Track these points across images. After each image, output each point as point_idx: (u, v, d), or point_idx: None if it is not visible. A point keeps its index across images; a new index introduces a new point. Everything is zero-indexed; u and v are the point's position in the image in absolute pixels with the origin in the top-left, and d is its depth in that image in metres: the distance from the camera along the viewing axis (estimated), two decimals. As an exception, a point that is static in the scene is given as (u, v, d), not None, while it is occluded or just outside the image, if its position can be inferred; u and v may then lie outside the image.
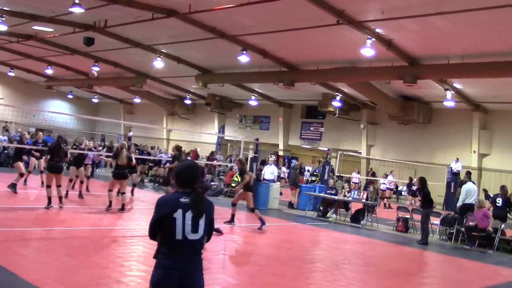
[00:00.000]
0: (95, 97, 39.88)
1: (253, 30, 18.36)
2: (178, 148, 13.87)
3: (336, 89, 25.78)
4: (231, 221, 12.74)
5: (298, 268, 8.93)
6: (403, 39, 17.39)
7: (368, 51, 17.10)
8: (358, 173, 26.24)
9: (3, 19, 18.85)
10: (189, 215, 3.65)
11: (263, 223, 12.49)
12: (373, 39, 16.78)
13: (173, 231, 3.62)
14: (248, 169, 14.09)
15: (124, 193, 13.02)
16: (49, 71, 31.32)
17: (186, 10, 16.91)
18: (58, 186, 12.11)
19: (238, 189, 13.54)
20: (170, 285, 3.59)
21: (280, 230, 13.53)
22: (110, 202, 12.86)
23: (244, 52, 20.11)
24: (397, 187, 26.80)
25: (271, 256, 9.73)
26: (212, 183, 20.36)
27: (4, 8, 18.81)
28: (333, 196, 16.24)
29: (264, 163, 18.06)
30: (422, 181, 13.71)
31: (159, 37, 21.41)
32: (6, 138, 23.49)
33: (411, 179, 23.49)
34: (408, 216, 15.02)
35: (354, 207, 16.27)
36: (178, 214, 3.63)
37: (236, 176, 20.40)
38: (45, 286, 6.11)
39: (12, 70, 33.64)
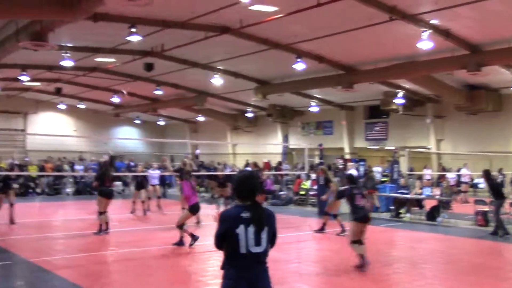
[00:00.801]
0: (161, 119, 41.10)
1: (306, 36, 18.33)
2: (255, 164, 14.31)
3: (397, 86, 25.19)
4: (322, 229, 12.67)
5: (375, 271, 8.77)
6: (460, 27, 16.78)
7: (425, 44, 16.62)
8: (428, 169, 25.36)
9: (68, 55, 19.89)
10: (251, 229, 3.68)
11: (343, 230, 12.33)
12: (430, 31, 16.29)
13: (237, 245, 3.68)
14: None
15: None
16: (116, 100, 32.66)
17: (237, 26, 17.17)
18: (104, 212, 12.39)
19: (326, 198, 13.39)
20: None
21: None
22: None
23: (299, 59, 20.10)
24: (472, 180, 25.73)
25: (346, 261, 9.61)
26: (280, 192, 20.42)
27: (68, 45, 19.85)
28: (405, 195, 15.85)
29: (329, 168, 17.84)
30: (486, 174, 13.33)
31: (215, 54, 21.82)
32: (82, 167, 24.72)
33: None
34: (487, 209, 14.38)
35: (429, 204, 15.78)
36: (241, 229, 3.67)
37: (304, 184, 20.41)
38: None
39: (81, 103, 35.34)
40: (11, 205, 13.71)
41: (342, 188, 9.69)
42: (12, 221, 13.62)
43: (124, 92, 26.67)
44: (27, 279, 8.05)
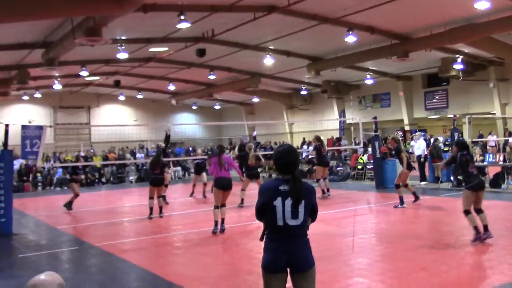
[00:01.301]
0: (217, 104, 41.63)
1: (355, 8, 17.91)
2: (318, 138, 14.39)
3: (456, 51, 24.20)
4: (401, 203, 12.49)
5: (433, 242, 8.62)
6: (520, -17, 15.89)
7: (482, 4, 15.88)
8: (493, 135, 24.33)
9: (123, 47, 20.49)
10: (288, 202, 3.72)
11: (401, 202, 12.27)
12: (487, -11, 15.54)
13: (274, 218, 3.73)
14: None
15: None
16: (172, 87, 33.35)
17: (285, 3, 17.01)
18: (159, 197, 12.89)
19: (402, 172, 13.10)
20: (278, 266, 3.74)
21: (410, 206, 13.07)
22: (242, 199, 13.58)
23: (351, 32, 19.70)
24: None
25: (403, 233, 9.49)
26: (338, 168, 20.29)
27: (122, 38, 20.43)
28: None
29: (385, 140, 17.53)
30: None
31: (265, 35, 21.78)
32: (142, 155, 25.53)
33: None
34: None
35: (492, 171, 15.21)
36: (278, 202, 3.72)
37: (361, 158, 20.17)
38: (186, 283, 6.60)
39: (140, 93, 36.36)
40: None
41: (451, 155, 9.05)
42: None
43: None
44: (93, 263, 8.50)
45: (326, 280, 6.26)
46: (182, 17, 16.61)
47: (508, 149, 18.38)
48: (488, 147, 21.16)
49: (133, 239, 10.25)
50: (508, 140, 22.90)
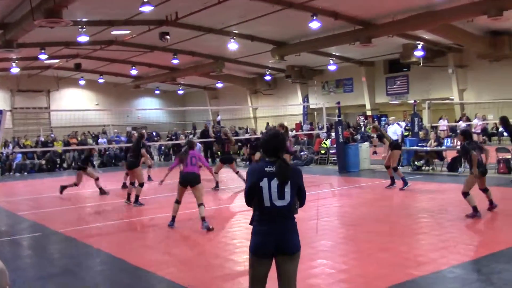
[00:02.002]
0: (180, 88, 41.28)
1: (320, -7, 18.05)
2: (282, 126, 14.49)
3: (417, 37, 24.69)
4: (392, 183, 12.92)
5: (393, 224, 8.90)
6: (479, -28, 16.30)
7: (443, -9, 16.25)
8: (444, 119, 24.87)
9: (84, 30, 20.02)
10: (274, 183, 3.83)
11: (405, 183, 12.55)
12: (446, -23, 15.88)
13: (261, 199, 3.84)
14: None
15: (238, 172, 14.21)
16: (134, 71, 32.85)
17: (249, -13, 16.99)
18: (130, 183, 12.70)
19: (383, 154, 13.84)
20: (266, 249, 3.85)
21: (372, 189, 13.42)
22: (217, 182, 14.13)
23: (315, 17, 19.84)
24: (497, 129, 25.36)
25: (365, 215, 9.73)
26: (302, 153, 20.51)
27: (83, 20, 19.95)
28: (425, 148, 15.77)
29: (349, 126, 17.84)
30: (504, 120, 13.29)
31: (229, 19, 21.65)
32: (105, 140, 25.14)
33: None
34: (510, 156, 14.25)
35: (450, 155, 15.69)
36: (264, 182, 3.83)
37: (325, 143, 20.46)
38: (152, 267, 6.62)
39: (101, 77, 35.68)
40: None
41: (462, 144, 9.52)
42: None
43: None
44: (57, 249, 8.41)
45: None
46: (145, 0, 16.36)
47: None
48: (439, 131, 21.53)
49: (97, 224, 10.16)
50: (467, 124, 23.64)
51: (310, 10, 19.76)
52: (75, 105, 34.69)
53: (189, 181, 8.98)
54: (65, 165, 24.51)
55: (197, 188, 8.99)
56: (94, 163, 14.98)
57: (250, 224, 3.97)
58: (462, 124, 23.47)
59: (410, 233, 8.20)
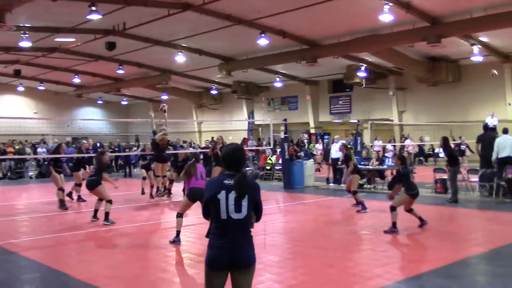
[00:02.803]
0: (124, 99, 40.58)
1: (269, 12, 18.37)
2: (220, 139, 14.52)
3: (360, 59, 25.56)
4: (361, 205, 12.33)
5: (338, 240, 9.07)
6: (421, 0, 17.10)
7: (386, 16, 16.92)
8: (379, 140, 25.52)
9: (27, 35, 19.39)
10: (232, 196, 3.84)
11: (363, 207, 12.16)
12: (391, 3, 16.57)
13: (218, 211, 3.84)
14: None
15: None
16: (77, 80, 32.04)
17: (200, 2, 17.06)
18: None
19: (344, 180, 13.53)
20: (221, 262, 3.84)
21: (317, 206, 13.65)
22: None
23: (263, 35, 20.16)
24: (433, 150, 26.53)
25: (311, 231, 9.88)
26: (247, 168, 20.58)
27: (26, 25, 19.32)
28: (367, 166, 16.24)
29: (296, 143, 18.17)
30: (445, 141, 14.01)
31: (178, 32, 21.63)
32: (44, 150, 24.27)
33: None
34: (446, 177, 14.90)
35: (390, 175, 16.21)
36: (222, 195, 3.84)
37: (270, 159, 20.64)
38: (99, 282, 6.43)
39: (42, 84, 34.55)
40: None
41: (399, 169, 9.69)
42: None
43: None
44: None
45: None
46: (94, 8, 16.10)
47: (406, 154, 19.73)
48: (373, 151, 21.83)
49: (38, 237, 9.76)
50: (403, 145, 24.54)
51: (258, 28, 20.07)
52: (13, 113, 33.36)
53: (199, 196, 8.08)
54: (0, 174, 23.43)
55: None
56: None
57: (207, 236, 3.98)
58: (389, 146, 24.31)
59: (355, 249, 8.41)
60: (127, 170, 24.20)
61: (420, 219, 9.71)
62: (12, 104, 35.96)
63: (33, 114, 36.26)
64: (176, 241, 8.51)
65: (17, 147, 25.57)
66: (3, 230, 10.43)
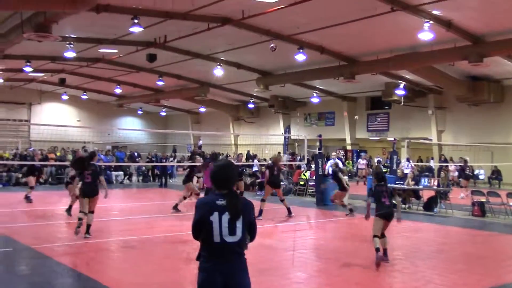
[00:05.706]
0: (163, 110, 41.32)
1: (308, 27, 18.44)
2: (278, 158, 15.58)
3: (399, 77, 25.28)
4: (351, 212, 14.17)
5: (366, 259, 8.93)
6: (463, 18, 16.84)
7: (426, 35, 16.74)
8: (409, 160, 24.91)
9: (72, 46, 20.07)
10: (225, 217, 3.62)
11: (351, 211, 14.14)
12: (431, 21, 16.38)
13: (211, 234, 3.61)
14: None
15: None
16: (118, 90, 32.87)
17: (239, 17, 17.26)
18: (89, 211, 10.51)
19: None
20: (214, 287, 3.59)
21: (347, 224, 13.51)
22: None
23: (301, 50, 20.23)
24: (473, 171, 25.87)
25: (339, 249, 9.79)
26: (281, 183, 20.54)
27: (71, 36, 20.01)
28: (402, 186, 15.99)
29: (328, 158, 18.07)
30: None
31: (217, 45, 21.94)
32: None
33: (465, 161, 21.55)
34: (484, 200, 14.52)
35: (427, 195, 15.92)
36: (215, 217, 3.61)
37: (304, 174, 20.57)
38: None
39: (85, 93, 35.56)
40: None
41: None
42: None
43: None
44: (28, 265, 8.26)
45: (265, 292, 6.39)
46: (136, 21, 16.53)
47: (442, 174, 19.30)
48: (358, 169, 21.04)
49: (71, 242, 10.02)
50: (442, 166, 24.00)
51: (297, 43, 20.16)
52: (57, 120, 34.41)
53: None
54: (41, 179, 24.10)
55: None
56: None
57: (197, 259, 3.75)
58: (403, 163, 23.31)
59: (382, 269, 8.28)
60: (163, 180, 24.54)
61: (384, 251, 8.64)
62: (56, 112, 37.13)
63: (76, 122, 37.32)
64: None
65: (58, 153, 26.32)
66: (40, 235, 10.76)
